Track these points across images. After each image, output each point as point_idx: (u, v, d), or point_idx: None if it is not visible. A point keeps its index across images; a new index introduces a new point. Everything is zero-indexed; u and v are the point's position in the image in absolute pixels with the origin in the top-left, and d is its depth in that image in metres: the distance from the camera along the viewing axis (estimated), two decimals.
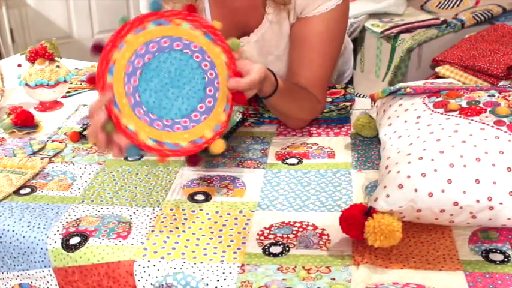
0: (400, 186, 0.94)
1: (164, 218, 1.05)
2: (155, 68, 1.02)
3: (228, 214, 1.05)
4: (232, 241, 0.98)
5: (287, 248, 0.96)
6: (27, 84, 1.47)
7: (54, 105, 1.52)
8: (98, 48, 0.99)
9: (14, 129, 1.38)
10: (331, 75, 1.38)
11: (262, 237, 0.99)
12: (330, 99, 1.42)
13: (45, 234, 1.02)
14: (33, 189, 1.15)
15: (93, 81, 0.99)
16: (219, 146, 1.05)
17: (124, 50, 0.99)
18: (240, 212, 1.06)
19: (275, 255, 0.95)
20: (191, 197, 1.10)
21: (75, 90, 1.63)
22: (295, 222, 1.02)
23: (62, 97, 1.55)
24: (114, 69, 0.99)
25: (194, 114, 1.05)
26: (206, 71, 1.05)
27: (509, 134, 0.99)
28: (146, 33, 1.01)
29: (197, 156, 1.07)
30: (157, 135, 1.02)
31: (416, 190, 0.93)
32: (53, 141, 1.34)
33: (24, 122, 1.38)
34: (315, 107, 1.33)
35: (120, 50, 0.99)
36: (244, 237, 0.99)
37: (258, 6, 1.31)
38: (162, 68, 1.02)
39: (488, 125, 1.01)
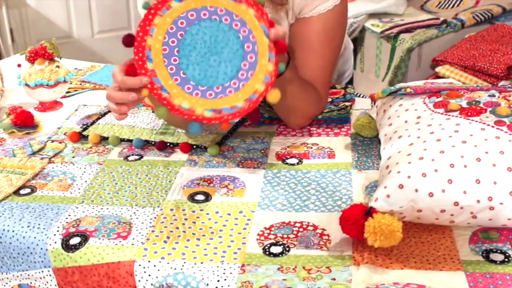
0: (401, 186, 0.94)
1: (164, 218, 1.04)
2: (190, 42, 1.05)
3: (228, 214, 1.05)
4: (232, 241, 0.98)
5: (287, 248, 0.96)
6: (27, 84, 1.47)
7: (54, 105, 1.52)
8: (129, 39, 1.04)
9: (14, 130, 1.37)
10: (331, 75, 1.38)
11: (262, 238, 0.99)
12: (330, 99, 1.41)
13: (45, 234, 1.02)
14: (33, 190, 1.15)
15: (133, 72, 1.04)
16: (275, 95, 1.06)
17: (155, 33, 1.03)
18: (240, 212, 1.06)
19: (275, 255, 0.95)
20: (191, 197, 1.10)
21: (75, 90, 1.63)
22: (295, 223, 1.02)
23: (61, 97, 1.55)
24: (152, 55, 1.03)
25: (241, 73, 1.06)
26: (239, 30, 1.05)
27: (510, 134, 0.99)
28: (172, 12, 1.03)
29: (257, 111, 1.10)
30: (212, 104, 1.06)
31: (416, 190, 0.93)
32: (52, 141, 1.34)
33: (24, 122, 1.38)
34: (318, 103, 1.33)
35: (152, 35, 1.03)
36: (245, 238, 0.99)
37: None
38: (196, 40, 1.05)
39: (488, 125, 1.01)
